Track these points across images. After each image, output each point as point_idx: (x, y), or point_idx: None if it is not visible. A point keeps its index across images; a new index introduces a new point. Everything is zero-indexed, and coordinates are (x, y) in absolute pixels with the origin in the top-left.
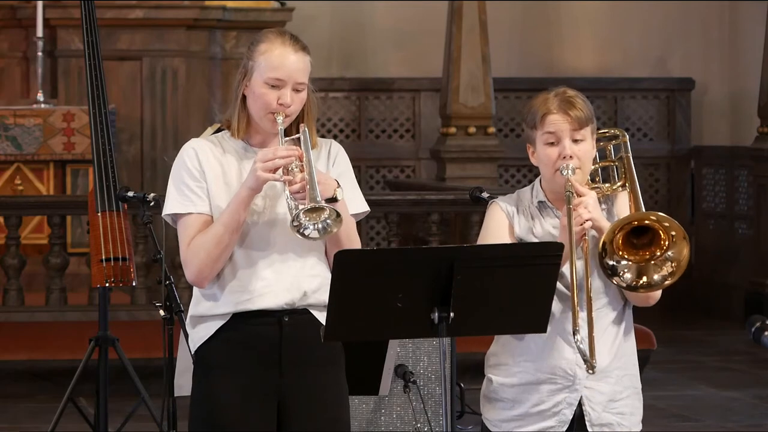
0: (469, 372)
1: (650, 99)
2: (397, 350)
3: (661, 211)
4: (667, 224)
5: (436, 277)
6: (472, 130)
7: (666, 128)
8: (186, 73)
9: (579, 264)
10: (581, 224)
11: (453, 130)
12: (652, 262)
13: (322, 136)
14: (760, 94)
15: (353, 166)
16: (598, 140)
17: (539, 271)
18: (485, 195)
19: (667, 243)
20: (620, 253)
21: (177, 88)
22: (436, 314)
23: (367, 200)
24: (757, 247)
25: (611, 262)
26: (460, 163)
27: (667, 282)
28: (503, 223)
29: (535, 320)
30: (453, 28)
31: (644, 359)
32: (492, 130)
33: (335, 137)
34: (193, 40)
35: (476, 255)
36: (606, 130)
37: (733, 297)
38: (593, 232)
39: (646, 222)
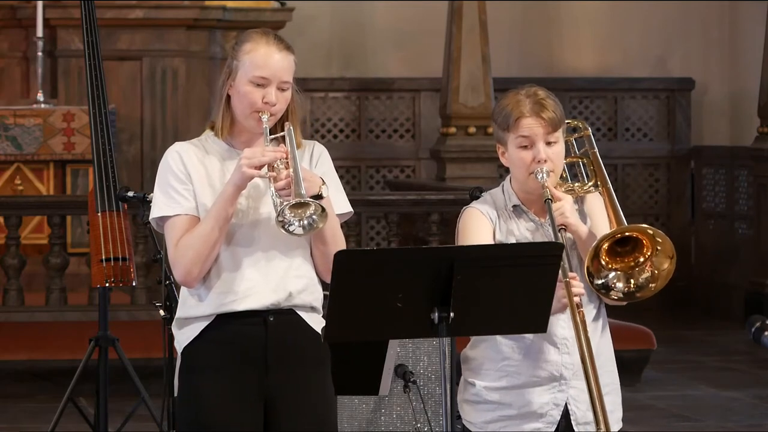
0: None
1: (650, 99)
2: (397, 350)
3: (659, 211)
4: (659, 239)
5: (436, 277)
6: (472, 130)
7: (666, 128)
8: (186, 73)
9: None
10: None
11: (453, 130)
12: (637, 268)
13: (322, 137)
14: (760, 94)
15: (353, 166)
16: None
17: (539, 271)
18: (485, 195)
19: (649, 252)
20: (608, 266)
21: (177, 88)
22: (436, 314)
23: (367, 200)
24: (757, 247)
25: (600, 281)
26: (460, 163)
27: (651, 286)
28: (487, 228)
29: (535, 320)
30: (453, 28)
31: (644, 359)
32: (492, 130)
33: (335, 137)
34: (193, 40)
35: (476, 255)
36: (568, 121)
37: (733, 297)
38: (569, 235)
39: (636, 234)
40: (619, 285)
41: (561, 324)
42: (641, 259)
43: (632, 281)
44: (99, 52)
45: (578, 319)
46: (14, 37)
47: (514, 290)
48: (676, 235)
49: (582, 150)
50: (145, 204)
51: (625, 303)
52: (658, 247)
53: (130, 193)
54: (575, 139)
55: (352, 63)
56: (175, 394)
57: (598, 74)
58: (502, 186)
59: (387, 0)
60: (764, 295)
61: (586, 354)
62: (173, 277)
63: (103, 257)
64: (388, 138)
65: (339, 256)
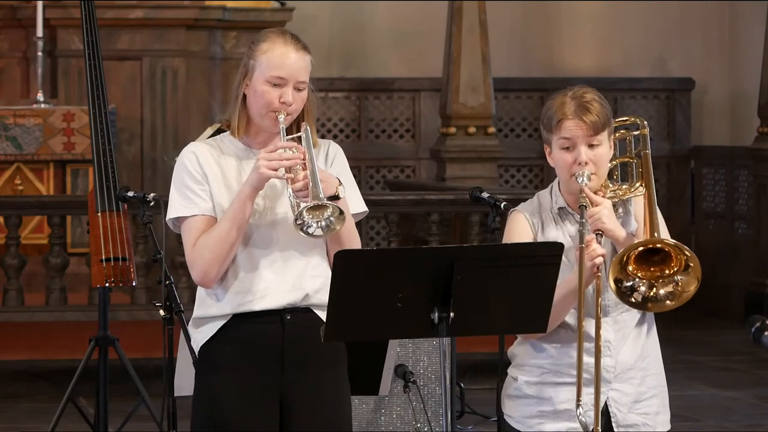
0: (469, 372)
1: (650, 99)
2: (397, 350)
3: (662, 212)
4: (687, 254)
5: (436, 277)
6: (472, 130)
7: (666, 128)
8: (186, 73)
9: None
10: (592, 260)
11: (453, 130)
12: (661, 279)
13: (322, 137)
14: (760, 94)
15: (353, 166)
16: (617, 129)
17: (539, 271)
18: (485, 195)
19: (677, 267)
20: (634, 272)
21: (177, 88)
22: (436, 314)
23: (367, 200)
24: (757, 247)
25: (628, 283)
26: (460, 163)
27: (668, 302)
28: (528, 235)
29: (535, 320)
30: (453, 28)
31: None
32: (492, 130)
33: (335, 137)
34: (193, 40)
35: (476, 255)
36: (626, 118)
37: (733, 297)
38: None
39: (659, 246)
40: (642, 289)
41: (604, 326)
42: (667, 272)
43: (653, 290)
44: (99, 52)
45: (595, 325)
46: (14, 37)
47: (514, 290)
48: (676, 235)
49: (637, 149)
50: (145, 204)
51: (636, 309)
52: (690, 265)
53: (130, 193)
54: (634, 136)
55: (352, 63)
56: (176, 394)
57: (598, 74)
58: (551, 187)
59: (387, 0)
60: (764, 295)
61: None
62: (173, 278)
63: (103, 257)
64: (388, 138)
65: (339, 255)
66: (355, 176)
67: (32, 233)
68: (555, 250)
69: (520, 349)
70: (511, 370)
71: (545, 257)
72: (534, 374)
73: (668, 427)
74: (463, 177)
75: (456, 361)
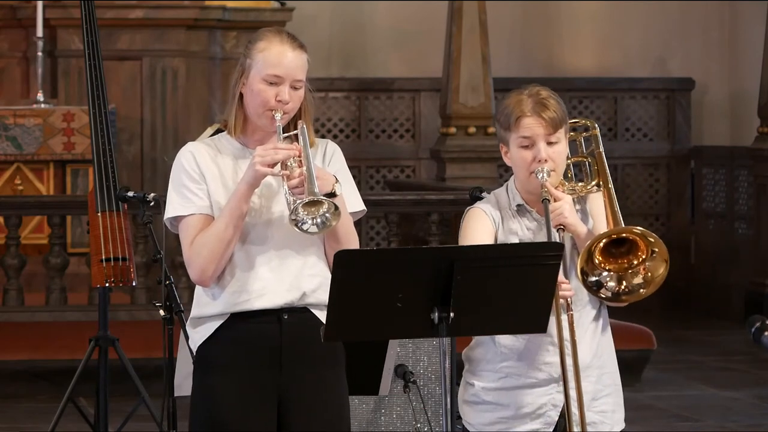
0: None
1: (650, 99)
2: (397, 350)
3: (659, 211)
4: (651, 239)
5: (436, 277)
6: (472, 130)
7: (666, 128)
8: (186, 73)
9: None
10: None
11: (453, 130)
12: (630, 270)
13: (322, 136)
14: (760, 94)
15: (353, 166)
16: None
17: (539, 271)
18: (485, 195)
19: (644, 255)
20: (601, 265)
21: (177, 88)
22: (436, 314)
23: (367, 200)
24: (757, 247)
25: (593, 278)
26: (460, 163)
27: (642, 291)
28: (489, 229)
29: (535, 320)
30: (453, 28)
31: (644, 359)
32: (492, 130)
33: (335, 137)
34: (193, 40)
35: (476, 255)
36: (576, 120)
37: (733, 297)
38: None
39: (625, 235)
40: (611, 284)
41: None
42: (635, 262)
43: (624, 283)
44: (99, 52)
45: (568, 321)
46: (14, 37)
47: (514, 290)
48: (676, 235)
49: (589, 149)
50: (145, 204)
51: (610, 303)
52: (654, 250)
53: (130, 193)
54: (584, 138)
55: (352, 63)
56: (176, 394)
57: (598, 74)
58: (506, 186)
59: (387, 0)
60: (764, 295)
61: (570, 355)
62: (173, 278)
63: (103, 257)
64: (388, 138)
65: (339, 255)
66: (355, 176)
67: (32, 233)
68: (555, 249)
69: (475, 354)
70: (466, 375)
71: (545, 257)
72: (491, 380)
73: (623, 425)
74: (463, 177)
75: (456, 361)
